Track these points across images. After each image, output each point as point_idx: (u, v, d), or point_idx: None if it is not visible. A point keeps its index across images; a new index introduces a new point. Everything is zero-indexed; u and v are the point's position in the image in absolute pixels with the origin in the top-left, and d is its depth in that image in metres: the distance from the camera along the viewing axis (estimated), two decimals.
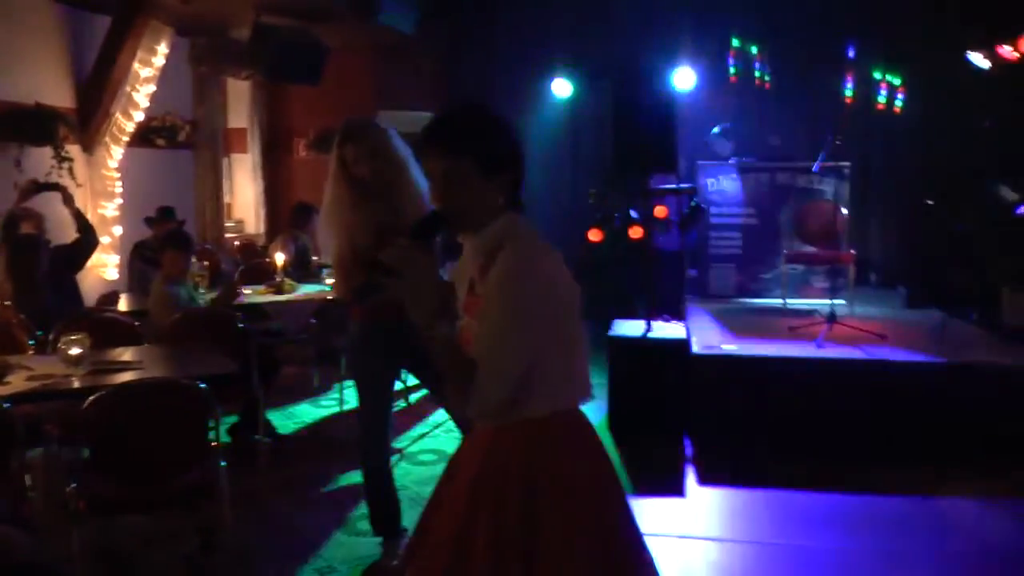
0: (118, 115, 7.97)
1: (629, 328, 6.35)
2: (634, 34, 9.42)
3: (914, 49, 9.19)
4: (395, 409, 4.40)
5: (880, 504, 4.89)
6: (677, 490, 5.13)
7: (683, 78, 7.11)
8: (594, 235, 6.43)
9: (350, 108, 9.81)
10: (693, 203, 6.87)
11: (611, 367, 6.17)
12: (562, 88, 8.37)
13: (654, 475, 5.38)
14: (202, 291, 6.09)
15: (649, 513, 4.77)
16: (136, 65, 7.99)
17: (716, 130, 8.25)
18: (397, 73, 10.57)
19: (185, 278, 5.66)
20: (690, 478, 5.33)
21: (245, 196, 11.12)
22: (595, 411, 6.48)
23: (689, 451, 5.79)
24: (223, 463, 3.82)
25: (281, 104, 11.15)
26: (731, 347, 6.12)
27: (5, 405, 3.47)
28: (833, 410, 5.72)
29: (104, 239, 7.83)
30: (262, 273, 7.53)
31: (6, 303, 5.25)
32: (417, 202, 3.78)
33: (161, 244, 5.85)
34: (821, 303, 6.97)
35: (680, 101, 7.01)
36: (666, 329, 6.32)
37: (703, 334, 6.50)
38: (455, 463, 2.31)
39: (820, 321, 6.50)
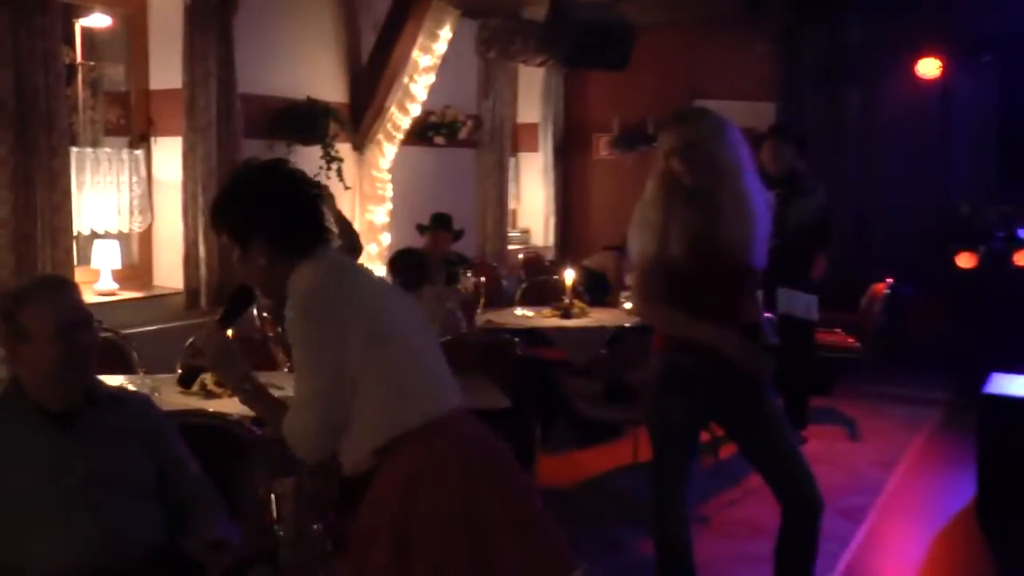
0: (393, 109, 8.48)
1: (1011, 384, 5.92)
2: None
3: None
4: (698, 466, 4.36)
5: None
6: None
7: None
8: (964, 260, 6.09)
9: (662, 98, 9.91)
10: None
11: (982, 433, 5.78)
12: (929, 68, 8.05)
13: None
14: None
15: None
16: (415, 53, 8.44)
17: None
18: (721, 56, 10.53)
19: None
20: None
21: (533, 202, 11.48)
22: (960, 488, 6.10)
23: None
24: None
25: (580, 95, 11.45)
26: None
27: (253, 427, 3.76)
28: None
29: (371, 247, 8.37)
30: (548, 292, 7.72)
31: (264, 315, 5.73)
32: (740, 217, 3.74)
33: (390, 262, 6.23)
34: None
35: None
36: None
37: None
38: None
39: None
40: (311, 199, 2.82)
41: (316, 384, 2.66)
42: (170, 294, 6.94)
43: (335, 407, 2.65)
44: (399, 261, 6.09)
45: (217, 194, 2.90)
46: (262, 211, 2.76)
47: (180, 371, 3.19)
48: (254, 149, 7.20)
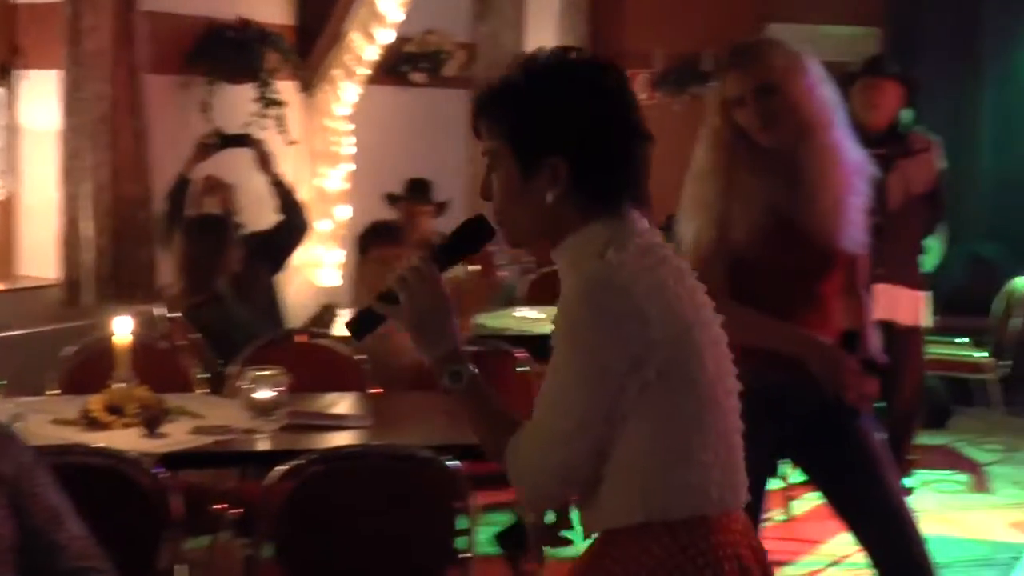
0: (354, 35, 8.46)
1: None
2: None
3: None
4: (766, 523, 4.34)
5: None
6: None
7: None
8: None
9: (719, 24, 9.89)
10: None
11: None
12: None
13: None
14: None
15: None
16: None
17: None
18: None
19: None
20: None
21: None
22: None
23: None
24: None
25: (611, 17, 11.42)
26: None
27: (156, 471, 3.77)
28: None
29: (323, 224, 8.36)
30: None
31: (173, 315, 5.72)
32: (828, 183, 3.76)
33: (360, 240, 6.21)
34: None
35: None
36: None
37: None
38: None
39: None
40: (645, 140, 2.52)
41: (583, 413, 2.39)
42: (42, 286, 6.97)
43: (595, 450, 2.40)
44: (367, 238, 6.12)
45: (532, 74, 2.52)
46: (586, 120, 2.49)
47: (353, 315, 2.88)
48: (161, 87, 7.20)
